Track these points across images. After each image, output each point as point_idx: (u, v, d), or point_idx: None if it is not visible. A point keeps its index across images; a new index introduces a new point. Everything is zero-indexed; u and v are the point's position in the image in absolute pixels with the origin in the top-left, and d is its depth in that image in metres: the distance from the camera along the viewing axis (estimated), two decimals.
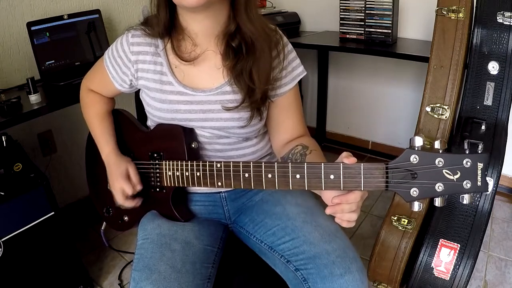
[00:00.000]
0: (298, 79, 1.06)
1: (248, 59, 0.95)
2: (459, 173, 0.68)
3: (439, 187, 0.69)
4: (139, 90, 1.10)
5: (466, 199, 0.69)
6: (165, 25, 0.96)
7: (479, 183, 0.67)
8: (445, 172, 0.68)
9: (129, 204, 1.07)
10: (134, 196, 1.07)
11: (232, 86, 0.98)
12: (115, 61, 1.05)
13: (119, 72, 1.06)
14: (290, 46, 1.05)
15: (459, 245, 1.47)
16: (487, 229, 1.72)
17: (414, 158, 0.70)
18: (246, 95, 0.97)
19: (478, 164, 0.66)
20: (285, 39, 1.04)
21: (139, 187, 1.05)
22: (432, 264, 1.50)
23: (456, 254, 1.47)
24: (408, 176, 0.70)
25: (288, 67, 1.04)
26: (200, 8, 0.88)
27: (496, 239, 2.00)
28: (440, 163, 0.68)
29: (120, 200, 1.06)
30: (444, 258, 1.49)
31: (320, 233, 0.96)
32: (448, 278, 1.49)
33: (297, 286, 0.93)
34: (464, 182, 0.68)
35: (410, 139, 0.71)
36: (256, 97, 0.97)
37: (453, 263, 1.47)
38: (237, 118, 0.99)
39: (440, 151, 0.69)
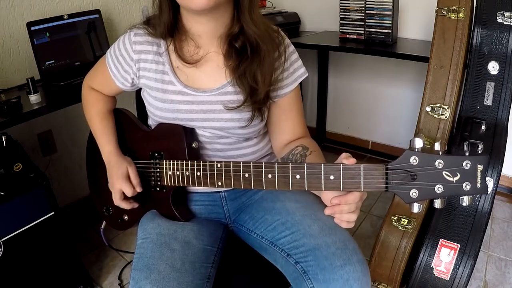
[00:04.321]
0: (300, 80, 1.06)
1: (253, 60, 0.95)
2: (458, 175, 0.68)
3: (438, 188, 0.69)
4: (140, 89, 1.10)
5: (465, 201, 0.69)
6: (167, 26, 0.96)
7: (478, 185, 0.67)
8: (445, 173, 0.68)
9: (125, 205, 1.07)
10: (132, 198, 1.07)
11: (234, 86, 0.99)
12: (117, 60, 1.05)
13: (121, 71, 1.06)
14: (292, 48, 1.05)
15: (459, 245, 1.47)
16: (487, 229, 1.72)
17: (414, 160, 0.70)
18: (248, 95, 0.97)
19: (478, 166, 0.66)
20: (287, 40, 1.04)
21: (138, 189, 1.05)
22: (432, 264, 1.51)
23: (456, 254, 1.47)
24: (407, 178, 0.70)
25: (290, 68, 1.04)
26: (207, 11, 0.88)
27: (496, 239, 2.00)
28: (440, 164, 0.68)
29: (117, 201, 1.06)
30: (444, 258, 1.49)
31: (320, 226, 0.96)
32: (448, 278, 1.49)
33: (298, 279, 0.93)
34: (464, 184, 0.68)
35: (410, 141, 0.71)
36: (258, 98, 0.97)
37: (453, 263, 1.47)
38: (238, 119, 1.00)
39: (440, 153, 0.69)
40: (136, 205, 1.08)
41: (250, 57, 0.95)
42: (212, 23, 0.95)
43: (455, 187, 0.68)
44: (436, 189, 0.69)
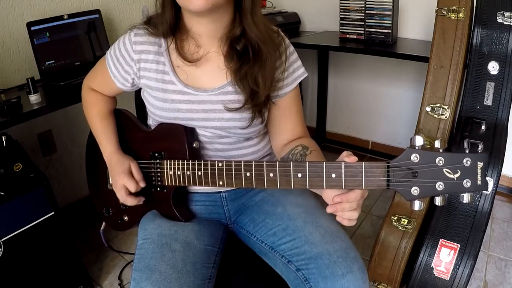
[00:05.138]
0: (299, 80, 1.06)
1: (254, 63, 0.96)
2: (459, 172, 0.68)
3: (439, 186, 0.69)
4: (139, 89, 1.10)
5: (466, 198, 0.69)
6: (170, 25, 0.96)
7: (479, 182, 0.68)
8: (446, 171, 0.68)
9: (131, 201, 1.06)
10: (136, 194, 1.06)
11: (234, 86, 0.99)
12: (117, 60, 1.05)
13: (121, 71, 1.06)
14: (292, 48, 1.06)
15: (459, 245, 1.47)
16: (487, 229, 1.72)
17: (415, 157, 0.70)
18: (249, 97, 0.97)
19: (478, 163, 0.67)
20: (287, 41, 1.05)
21: (142, 184, 1.05)
22: (432, 264, 1.50)
23: (456, 254, 1.47)
24: (409, 175, 0.71)
25: (290, 68, 1.04)
26: (205, 12, 0.88)
27: (496, 239, 2.00)
28: (441, 162, 0.68)
29: (122, 197, 1.06)
30: (444, 258, 1.49)
31: (321, 233, 0.96)
32: (448, 278, 1.49)
33: (298, 286, 0.93)
34: (464, 181, 0.68)
35: (411, 139, 0.71)
36: (259, 100, 0.98)
37: (453, 263, 1.47)
38: (239, 119, 1.00)
39: (441, 150, 0.69)
40: (142, 199, 1.07)
41: (251, 60, 0.95)
42: (212, 24, 0.95)
43: (456, 184, 0.68)
44: (437, 186, 0.69)
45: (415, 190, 0.71)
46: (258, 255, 1.07)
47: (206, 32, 0.97)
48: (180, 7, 0.95)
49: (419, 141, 0.70)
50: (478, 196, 1.45)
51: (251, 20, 0.93)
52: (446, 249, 1.49)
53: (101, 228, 1.29)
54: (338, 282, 0.87)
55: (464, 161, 0.67)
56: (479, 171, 0.67)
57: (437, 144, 0.69)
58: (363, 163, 0.74)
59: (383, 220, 1.62)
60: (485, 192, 1.44)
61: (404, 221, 1.56)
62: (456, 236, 1.48)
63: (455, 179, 0.68)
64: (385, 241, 1.59)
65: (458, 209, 1.48)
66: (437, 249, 1.50)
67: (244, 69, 0.96)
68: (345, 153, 0.79)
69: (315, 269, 0.90)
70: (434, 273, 1.51)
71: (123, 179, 1.03)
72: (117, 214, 1.17)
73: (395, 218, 1.58)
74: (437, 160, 0.68)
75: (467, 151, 0.68)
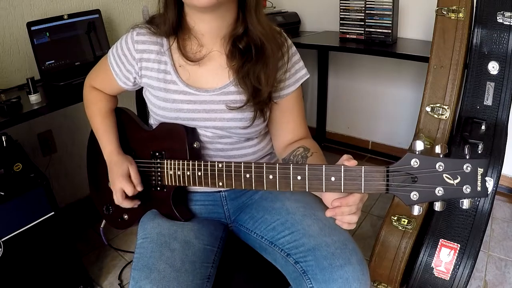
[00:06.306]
0: (301, 81, 1.07)
1: (257, 61, 0.96)
2: (459, 178, 0.68)
3: (439, 191, 0.69)
4: (140, 89, 1.10)
5: (465, 204, 0.69)
6: (172, 24, 0.96)
7: (479, 188, 0.67)
8: (445, 176, 0.68)
9: (127, 204, 1.07)
10: (133, 197, 1.07)
11: (236, 86, 0.99)
12: (119, 59, 1.05)
13: (123, 70, 1.06)
14: (294, 49, 1.06)
15: (459, 245, 1.48)
16: (487, 229, 1.72)
17: (414, 162, 0.70)
18: (250, 96, 0.97)
19: (478, 169, 0.67)
20: (289, 41, 1.05)
21: (139, 188, 1.05)
22: (432, 264, 1.51)
23: (456, 254, 1.48)
24: (408, 180, 0.71)
25: (292, 69, 1.04)
26: (210, 9, 0.88)
27: (496, 239, 2.00)
28: (441, 167, 0.68)
29: (119, 200, 1.06)
30: (444, 258, 1.49)
31: (320, 226, 0.97)
32: (448, 278, 1.49)
33: (297, 279, 0.93)
34: (464, 187, 0.68)
35: (412, 143, 0.71)
36: (261, 98, 0.98)
37: (453, 263, 1.48)
38: (240, 119, 1.00)
39: (441, 156, 0.69)
40: (137, 203, 1.08)
41: (254, 58, 0.96)
42: (215, 22, 0.95)
43: (456, 190, 0.68)
44: (436, 191, 0.69)
45: (414, 195, 0.71)
46: (258, 252, 1.08)
47: (209, 31, 0.97)
48: (183, 6, 0.95)
49: (419, 146, 0.70)
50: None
51: (255, 18, 0.93)
52: (446, 249, 1.49)
53: (101, 226, 1.29)
54: (337, 273, 0.87)
55: (464, 167, 0.67)
56: (479, 177, 0.67)
57: (437, 149, 0.69)
58: (363, 167, 0.74)
59: (383, 220, 1.62)
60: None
61: (404, 221, 1.56)
62: (456, 236, 1.48)
63: (454, 184, 0.68)
64: (385, 241, 1.60)
65: (458, 209, 1.48)
66: (437, 249, 1.50)
67: (246, 67, 0.96)
68: (345, 156, 0.79)
69: (313, 261, 0.91)
70: (434, 273, 1.51)
71: (121, 182, 1.04)
72: (117, 212, 1.18)
73: (395, 218, 1.58)
74: (437, 166, 0.68)
75: (467, 157, 0.68)
